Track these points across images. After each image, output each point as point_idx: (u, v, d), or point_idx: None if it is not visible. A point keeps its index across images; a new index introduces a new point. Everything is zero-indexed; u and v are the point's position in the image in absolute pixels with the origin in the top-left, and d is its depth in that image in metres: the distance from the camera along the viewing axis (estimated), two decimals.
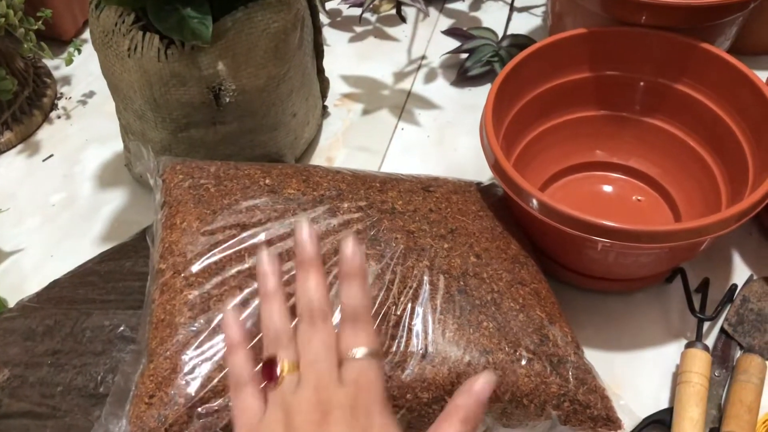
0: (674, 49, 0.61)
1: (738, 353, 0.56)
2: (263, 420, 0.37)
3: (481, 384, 0.36)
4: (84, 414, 0.50)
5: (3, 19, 0.67)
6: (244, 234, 0.48)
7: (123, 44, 0.58)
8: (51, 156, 0.77)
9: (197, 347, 0.44)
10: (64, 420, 0.49)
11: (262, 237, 0.48)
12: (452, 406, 0.36)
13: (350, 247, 0.39)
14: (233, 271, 0.46)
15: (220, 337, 0.44)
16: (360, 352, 0.37)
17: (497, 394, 0.46)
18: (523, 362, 0.47)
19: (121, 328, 0.53)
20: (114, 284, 0.57)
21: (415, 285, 0.48)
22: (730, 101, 0.60)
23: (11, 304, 0.61)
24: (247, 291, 0.46)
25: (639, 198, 0.66)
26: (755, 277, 0.61)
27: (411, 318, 0.47)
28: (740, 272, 0.62)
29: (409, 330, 0.46)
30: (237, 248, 0.47)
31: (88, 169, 0.75)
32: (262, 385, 0.38)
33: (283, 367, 0.37)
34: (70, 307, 0.55)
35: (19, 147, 0.78)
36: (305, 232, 0.40)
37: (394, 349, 0.45)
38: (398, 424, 0.37)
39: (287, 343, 0.38)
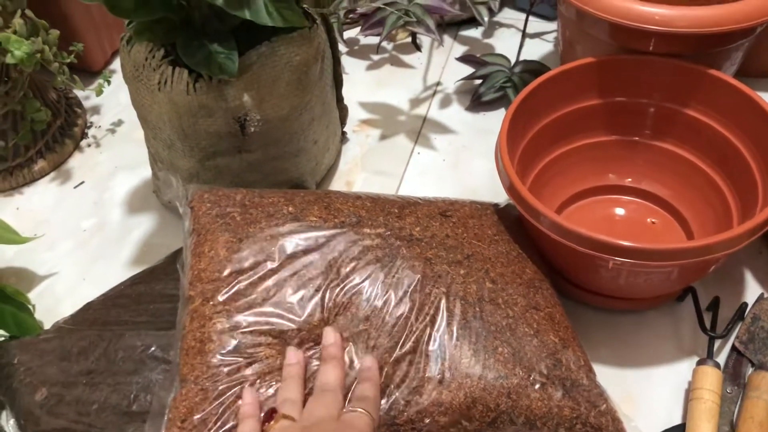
0: (682, 75, 0.63)
1: (749, 370, 0.57)
2: None
3: None
4: (118, 431, 0.51)
5: (39, 55, 0.70)
6: (268, 262, 0.50)
7: (153, 78, 0.61)
8: (82, 183, 0.80)
9: (227, 374, 0.46)
10: None
11: (285, 264, 0.50)
12: None
13: (330, 338, 0.48)
14: (260, 298, 0.49)
15: (247, 362, 0.46)
16: (359, 408, 0.44)
17: (511, 417, 0.47)
18: (537, 386, 0.48)
19: (153, 348, 0.54)
20: (145, 306, 0.59)
21: (432, 312, 0.50)
22: (738, 124, 0.61)
23: (47, 326, 0.63)
24: (273, 318, 0.48)
25: (653, 220, 0.68)
26: (765, 296, 0.62)
27: (428, 344, 0.48)
28: (751, 291, 0.63)
29: (427, 356, 0.48)
30: (261, 274, 0.49)
31: (118, 195, 0.78)
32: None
33: (278, 416, 0.44)
34: (103, 329, 0.57)
35: (52, 174, 0.81)
36: (332, 337, 0.48)
37: (411, 374, 0.47)
38: None
39: (291, 405, 0.45)
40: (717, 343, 0.58)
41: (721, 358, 0.58)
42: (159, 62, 0.60)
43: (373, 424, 0.44)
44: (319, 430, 0.43)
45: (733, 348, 0.58)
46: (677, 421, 0.55)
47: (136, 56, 0.62)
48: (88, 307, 0.61)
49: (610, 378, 0.54)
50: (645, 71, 0.64)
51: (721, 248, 0.51)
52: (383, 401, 0.46)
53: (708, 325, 0.58)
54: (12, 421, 0.55)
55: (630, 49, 0.64)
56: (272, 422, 0.44)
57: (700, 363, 0.56)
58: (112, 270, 0.70)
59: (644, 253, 0.51)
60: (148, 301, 0.59)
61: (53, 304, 0.68)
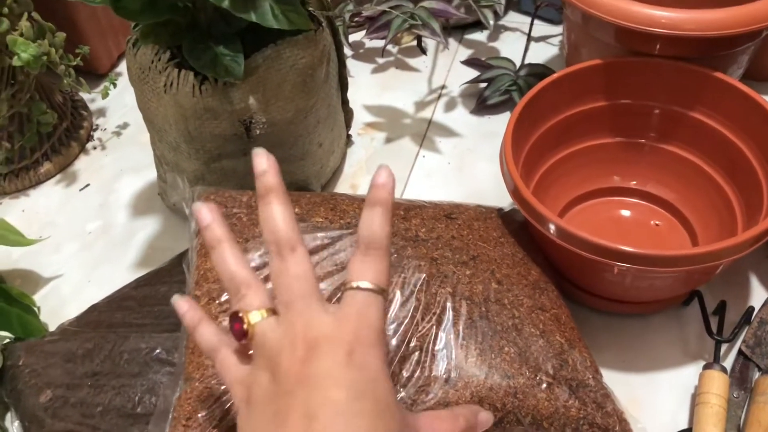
0: (687, 78, 0.63)
1: (756, 375, 0.57)
2: (251, 370, 0.35)
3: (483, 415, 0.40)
4: None
5: (45, 57, 0.70)
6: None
7: (159, 81, 0.61)
8: (87, 185, 0.80)
9: None
10: None
11: None
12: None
13: (382, 176, 0.37)
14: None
15: None
16: (364, 284, 0.34)
17: (518, 417, 0.47)
18: (544, 386, 0.48)
19: (157, 351, 0.54)
20: (150, 308, 0.59)
21: (438, 311, 0.50)
22: (744, 128, 0.61)
23: (52, 327, 0.63)
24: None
25: (657, 222, 0.68)
26: None
27: (434, 343, 0.48)
28: (757, 294, 0.63)
29: (433, 355, 0.48)
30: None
31: (123, 197, 0.78)
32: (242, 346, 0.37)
33: (246, 319, 0.35)
34: (108, 331, 0.57)
35: (58, 177, 0.81)
36: (263, 162, 0.37)
37: (418, 373, 0.47)
38: (389, 375, 0.35)
39: (247, 290, 0.36)
40: (723, 348, 0.58)
41: (728, 363, 0.58)
42: (165, 65, 0.61)
43: (383, 305, 0.35)
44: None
45: (740, 352, 0.58)
46: (683, 425, 0.55)
47: (141, 59, 0.62)
48: (93, 309, 0.61)
49: (615, 382, 0.53)
50: (651, 74, 0.64)
51: (726, 254, 0.51)
52: None
53: (714, 329, 0.58)
54: (17, 423, 0.56)
55: (636, 51, 0.64)
56: (247, 339, 0.35)
57: (706, 367, 0.55)
58: (117, 272, 0.70)
59: (649, 259, 0.51)
60: (153, 304, 0.59)
61: (58, 306, 0.68)
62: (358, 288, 0.34)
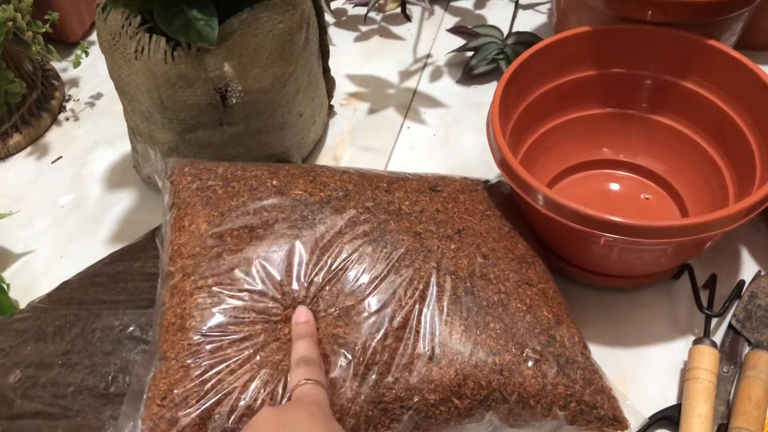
0: (680, 45, 0.61)
1: (746, 349, 0.56)
2: None
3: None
4: (95, 414, 0.50)
5: (11, 23, 0.67)
6: (252, 236, 0.48)
7: (130, 47, 0.58)
8: (60, 158, 0.77)
9: (209, 351, 0.44)
10: (75, 420, 0.50)
11: (269, 238, 0.48)
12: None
13: (302, 316, 0.46)
14: (242, 273, 0.47)
15: (229, 338, 0.45)
16: (309, 381, 0.42)
17: (504, 395, 0.46)
18: (530, 363, 0.47)
19: (131, 328, 0.53)
20: (123, 285, 0.57)
21: (422, 287, 0.48)
22: (737, 97, 0.60)
23: (22, 305, 0.61)
24: (255, 293, 0.46)
25: (647, 196, 0.66)
26: (763, 273, 0.61)
27: (418, 320, 0.47)
28: (748, 268, 0.62)
29: (416, 332, 0.46)
30: (243, 249, 0.48)
31: (97, 170, 0.76)
32: None
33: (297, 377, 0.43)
34: (80, 308, 0.56)
35: (28, 149, 0.79)
36: (303, 315, 0.47)
37: (401, 351, 0.46)
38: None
39: (310, 366, 0.44)
40: (714, 322, 0.57)
41: (718, 337, 0.57)
42: (135, 30, 0.58)
43: (325, 392, 0.43)
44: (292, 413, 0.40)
45: (730, 326, 0.57)
46: (673, 401, 0.55)
47: (111, 24, 0.59)
48: (65, 285, 0.60)
49: (603, 357, 0.53)
50: (642, 41, 0.62)
51: (717, 226, 0.50)
52: (372, 377, 0.45)
53: (704, 303, 0.57)
54: None
55: (627, 18, 0.62)
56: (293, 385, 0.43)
57: (696, 342, 0.55)
58: (91, 248, 0.68)
59: (637, 229, 0.50)
60: (127, 280, 0.57)
61: (29, 282, 0.66)
62: (304, 383, 0.42)
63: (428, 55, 0.85)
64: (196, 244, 0.48)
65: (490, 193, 0.60)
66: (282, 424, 0.38)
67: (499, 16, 0.87)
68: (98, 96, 0.84)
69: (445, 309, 0.48)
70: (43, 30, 0.74)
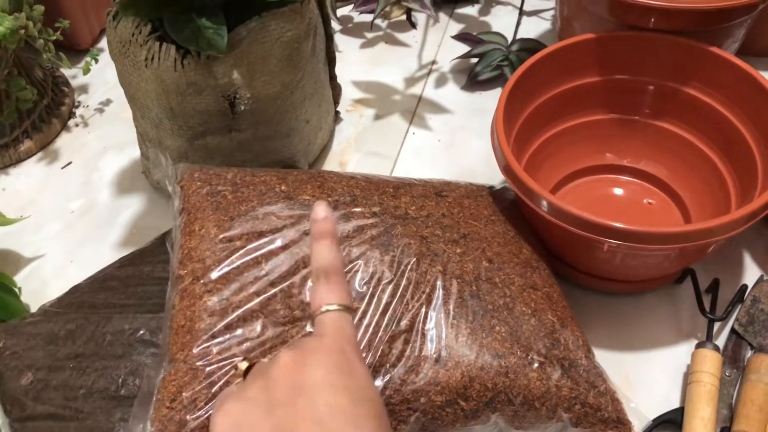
0: (682, 52, 0.62)
1: (749, 353, 0.57)
2: (243, 383, 0.38)
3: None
4: (106, 416, 0.50)
5: (23, 31, 0.68)
6: (261, 240, 0.49)
7: (140, 54, 0.59)
8: (70, 163, 0.78)
9: (217, 353, 0.45)
10: (86, 422, 0.50)
11: (278, 243, 0.49)
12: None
13: (321, 211, 0.40)
14: (251, 277, 0.47)
15: (238, 341, 0.45)
16: (332, 306, 0.37)
17: (509, 397, 0.47)
18: (535, 366, 0.47)
19: (141, 332, 0.53)
20: (133, 289, 0.58)
21: (428, 290, 0.49)
22: (739, 104, 0.60)
23: (33, 309, 0.62)
24: (264, 296, 0.47)
25: (650, 201, 0.67)
26: (765, 278, 0.61)
27: (424, 322, 0.47)
28: (750, 272, 0.62)
29: (423, 334, 0.47)
30: (254, 255, 0.48)
31: (106, 176, 0.76)
32: None
33: (322, 309, 0.38)
34: (90, 312, 0.56)
35: (39, 155, 0.79)
36: (323, 210, 0.41)
37: (407, 353, 0.46)
38: (370, 373, 0.37)
39: (334, 283, 0.39)
40: (716, 326, 0.58)
41: (721, 341, 0.58)
42: (146, 38, 0.59)
43: (351, 317, 0.38)
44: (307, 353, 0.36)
45: (733, 330, 0.58)
46: (676, 404, 0.55)
47: (122, 32, 0.60)
48: (76, 289, 0.60)
49: (607, 361, 0.53)
50: (645, 48, 0.63)
51: (720, 232, 0.50)
52: (378, 381, 0.45)
53: (707, 307, 0.58)
54: None
55: (630, 25, 0.63)
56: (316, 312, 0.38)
57: (699, 346, 0.55)
58: (101, 252, 0.69)
59: (640, 236, 0.50)
60: (137, 284, 0.58)
61: (40, 286, 0.67)
62: (327, 311, 0.37)
63: (433, 62, 0.86)
64: (206, 247, 0.49)
65: (494, 198, 0.60)
66: (299, 387, 0.34)
67: (503, 22, 0.88)
68: (107, 102, 0.85)
69: (452, 312, 0.48)
70: (54, 37, 0.75)
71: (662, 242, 0.50)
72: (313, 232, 0.40)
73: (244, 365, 0.40)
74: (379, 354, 0.46)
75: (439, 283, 0.49)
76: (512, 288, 0.51)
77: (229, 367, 0.44)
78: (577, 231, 0.51)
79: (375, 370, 0.46)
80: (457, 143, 0.76)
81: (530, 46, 0.80)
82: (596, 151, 0.68)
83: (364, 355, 0.46)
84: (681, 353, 0.57)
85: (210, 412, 0.43)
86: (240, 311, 0.46)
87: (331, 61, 0.72)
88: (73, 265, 0.68)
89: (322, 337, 0.36)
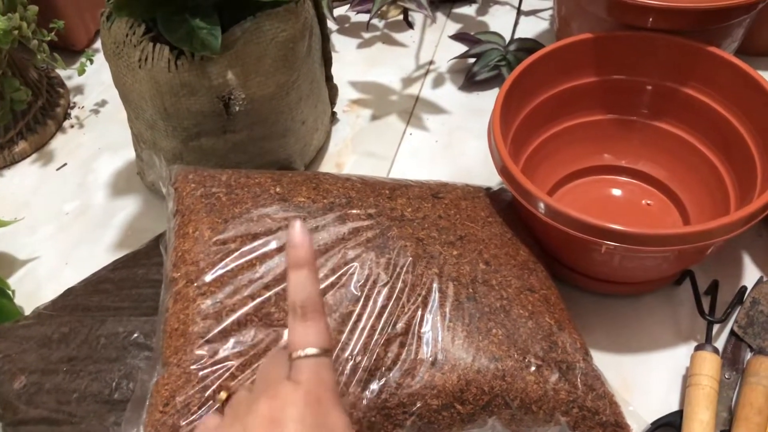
0: (681, 52, 0.61)
1: (748, 355, 0.56)
2: (216, 428, 0.37)
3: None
4: (99, 420, 0.50)
5: (17, 32, 0.68)
6: (256, 243, 0.49)
7: (134, 55, 0.59)
8: (64, 165, 0.78)
9: (211, 357, 0.44)
10: (79, 426, 0.50)
11: (273, 245, 0.49)
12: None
13: (297, 234, 0.36)
14: (245, 280, 0.47)
15: (231, 344, 0.45)
16: (310, 351, 0.35)
17: (506, 400, 0.46)
18: (532, 369, 0.47)
19: (135, 335, 0.53)
20: (127, 291, 0.57)
21: (424, 293, 0.48)
22: (738, 104, 0.60)
23: (27, 311, 0.62)
24: (259, 300, 0.46)
25: (648, 202, 0.66)
26: (765, 279, 0.61)
27: (420, 325, 0.47)
28: (750, 274, 0.62)
29: (419, 337, 0.47)
30: (248, 257, 0.48)
31: (101, 177, 0.76)
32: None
33: (293, 355, 0.36)
34: (84, 315, 0.56)
35: (34, 156, 0.79)
36: (299, 235, 0.36)
37: (403, 356, 0.46)
38: (350, 424, 0.35)
39: (311, 323, 0.36)
40: (715, 328, 0.57)
41: (720, 343, 0.57)
42: (139, 39, 0.58)
43: (331, 362, 0.35)
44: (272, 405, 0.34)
45: (732, 333, 0.57)
46: (675, 407, 0.54)
47: (116, 32, 0.60)
48: (69, 292, 0.60)
49: (606, 363, 0.52)
50: (643, 48, 0.62)
51: (718, 234, 0.50)
52: (375, 383, 0.45)
53: (706, 309, 0.57)
54: None
55: (628, 25, 0.63)
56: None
57: (698, 348, 0.55)
58: (95, 254, 0.68)
59: (638, 238, 0.50)
60: (131, 287, 0.58)
61: (34, 289, 0.66)
62: (306, 356, 0.35)
63: (430, 62, 0.85)
64: (200, 250, 0.49)
65: (491, 200, 0.60)
66: (275, 422, 0.33)
67: (501, 22, 0.88)
68: (103, 103, 0.84)
69: (448, 315, 0.48)
70: (49, 38, 0.75)
71: (661, 244, 0.50)
72: (289, 259, 0.36)
73: (223, 395, 0.40)
74: (374, 357, 0.46)
75: (435, 285, 0.49)
76: (509, 290, 0.51)
77: (222, 370, 0.44)
78: (575, 233, 0.51)
79: (370, 374, 0.45)
80: (455, 144, 0.76)
81: (528, 46, 0.79)
82: (594, 151, 0.68)
83: (359, 358, 0.45)
84: (680, 355, 0.57)
85: (203, 416, 0.43)
86: (234, 315, 0.46)
87: (327, 61, 0.72)
88: (68, 268, 0.68)
89: (298, 384, 0.34)
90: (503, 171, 0.55)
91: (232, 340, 0.45)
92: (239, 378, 0.44)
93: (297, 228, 0.36)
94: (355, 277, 0.48)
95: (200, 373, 0.44)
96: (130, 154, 0.75)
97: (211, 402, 0.43)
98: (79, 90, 0.86)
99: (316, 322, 0.36)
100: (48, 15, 0.78)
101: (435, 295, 0.48)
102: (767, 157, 0.57)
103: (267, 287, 0.47)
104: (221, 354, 0.44)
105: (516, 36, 0.81)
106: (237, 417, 0.36)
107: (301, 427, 0.33)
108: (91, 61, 0.80)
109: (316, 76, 0.68)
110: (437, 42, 0.88)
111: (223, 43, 0.56)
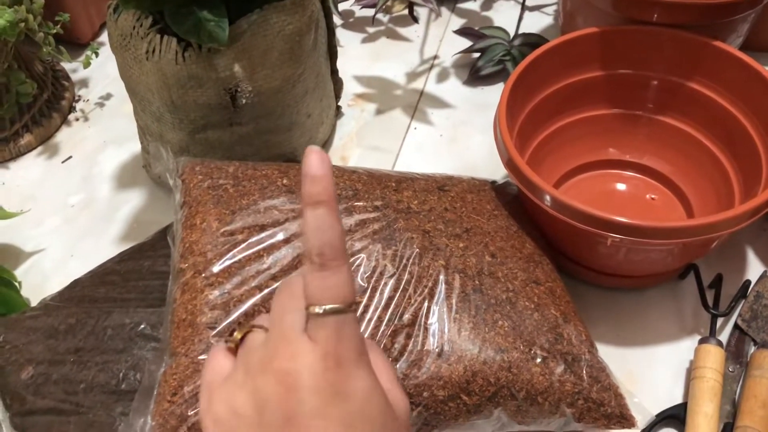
0: (686, 47, 0.61)
1: (752, 349, 0.56)
2: (226, 379, 0.34)
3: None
4: (106, 410, 0.50)
5: (23, 24, 0.68)
6: (263, 234, 0.49)
7: (141, 47, 0.59)
8: (70, 158, 0.78)
9: None
10: (87, 416, 0.50)
11: (280, 237, 0.49)
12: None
13: (314, 164, 0.30)
14: (253, 271, 0.47)
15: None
16: (330, 306, 0.30)
17: (512, 391, 0.46)
18: (538, 360, 0.47)
19: (142, 326, 0.53)
20: (134, 283, 0.58)
21: (431, 284, 0.48)
22: (743, 98, 0.60)
23: (34, 303, 0.62)
24: (266, 291, 0.46)
25: (653, 196, 0.66)
26: None
27: (427, 317, 0.47)
28: (754, 268, 0.62)
29: (425, 329, 0.47)
30: (256, 248, 0.48)
31: (107, 170, 0.76)
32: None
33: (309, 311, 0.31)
34: (91, 306, 0.56)
35: (39, 149, 0.79)
36: (317, 163, 0.30)
37: (410, 347, 0.46)
38: (378, 386, 0.32)
39: (331, 273, 0.31)
40: (719, 321, 0.57)
41: (724, 337, 0.57)
42: (147, 31, 0.59)
43: (355, 318, 0.31)
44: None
45: (736, 326, 0.58)
46: (678, 400, 0.55)
47: (123, 25, 0.60)
48: (76, 284, 0.60)
49: (610, 356, 0.53)
50: (648, 43, 0.63)
51: (723, 227, 0.50)
52: None
53: (710, 302, 0.57)
54: None
55: (633, 19, 0.63)
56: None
57: (702, 341, 0.55)
58: (101, 246, 0.69)
59: (644, 230, 0.50)
60: (137, 278, 0.58)
61: (40, 280, 0.67)
62: (325, 312, 0.30)
63: (435, 57, 0.85)
64: (208, 241, 0.49)
65: (497, 193, 0.60)
66: (289, 420, 0.30)
67: (505, 17, 0.88)
68: (108, 96, 0.84)
69: (454, 306, 0.48)
70: (54, 31, 0.75)
71: (666, 237, 0.50)
72: (304, 195, 0.30)
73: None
74: (381, 348, 0.46)
75: (441, 277, 0.49)
76: (515, 283, 0.51)
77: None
78: (581, 225, 0.51)
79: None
80: (459, 138, 0.76)
81: (532, 41, 0.79)
82: (599, 146, 0.68)
83: None
84: (684, 349, 0.57)
85: (213, 348, 0.40)
86: (242, 305, 0.46)
87: (332, 55, 0.72)
88: (74, 260, 0.68)
89: (315, 344, 0.30)
90: (509, 164, 0.55)
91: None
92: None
93: (314, 156, 0.30)
94: (361, 269, 0.48)
95: None
96: (135, 147, 0.76)
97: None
98: (84, 83, 0.86)
99: (336, 272, 0.30)
100: (53, 8, 0.78)
101: (441, 287, 0.49)
102: None
103: (274, 278, 0.47)
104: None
105: (520, 31, 0.81)
106: (248, 373, 0.32)
107: (317, 399, 0.30)
108: (97, 54, 0.80)
109: (321, 69, 0.68)
110: (442, 37, 0.88)
111: (230, 35, 0.56)
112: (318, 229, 0.30)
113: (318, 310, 0.30)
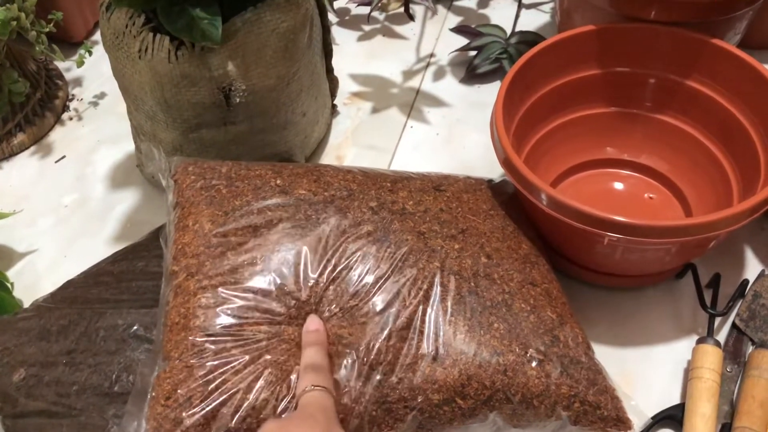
0: (684, 44, 0.61)
1: (750, 348, 0.56)
2: None
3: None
4: (99, 412, 0.50)
5: (15, 23, 0.67)
6: (256, 236, 0.48)
7: (134, 46, 0.58)
8: (63, 157, 0.77)
9: (212, 351, 0.44)
10: (79, 419, 0.50)
11: (273, 239, 0.48)
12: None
13: (312, 324, 0.46)
14: (246, 273, 0.47)
15: (233, 338, 0.45)
16: (318, 386, 0.42)
17: (507, 395, 0.46)
18: (534, 363, 0.47)
19: (135, 327, 0.53)
20: (127, 284, 0.57)
21: (425, 287, 0.48)
22: (741, 96, 0.60)
23: (26, 304, 0.62)
24: (259, 295, 0.46)
25: (651, 195, 0.66)
26: (766, 272, 0.60)
27: (422, 320, 0.47)
28: (752, 267, 0.62)
29: (420, 332, 0.46)
30: (247, 248, 0.48)
31: (100, 170, 0.76)
32: None
33: (296, 388, 0.44)
34: (84, 307, 0.56)
35: (32, 149, 0.79)
36: (315, 323, 0.46)
37: (405, 351, 0.46)
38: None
39: (319, 373, 0.44)
40: (717, 321, 0.57)
41: (722, 336, 0.57)
42: (139, 29, 0.58)
43: (332, 398, 0.43)
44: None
45: (734, 326, 0.57)
46: (676, 400, 0.54)
47: (115, 23, 0.59)
48: (69, 284, 0.60)
49: (607, 357, 0.52)
50: (646, 40, 0.62)
51: (721, 226, 0.50)
52: (376, 377, 0.45)
53: (708, 302, 0.57)
54: None
55: (630, 17, 0.62)
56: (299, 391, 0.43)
57: (699, 341, 0.55)
58: (94, 247, 0.68)
59: (641, 229, 0.49)
60: (130, 279, 0.57)
61: (33, 281, 0.66)
62: (313, 389, 0.42)
63: (431, 55, 0.85)
64: (200, 243, 0.48)
65: (493, 192, 0.60)
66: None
67: (502, 15, 0.87)
68: (102, 95, 0.84)
69: (449, 309, 0.47)
70: (47, 29, 0.74)
71: (663, 236, 0.50)
72: (305, 340, 0.45)
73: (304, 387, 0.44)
74: (375, 352, 0.45)
75: (436, 279, 0.49)
76: (511, 284, 0.51)
77: (224, 364, 0.44)
78: (578, 224, 0.50)
79: (371, 368, 0.45)
80: (456, 137, 0.75)
81: (529, 39, 0.79)
82: (596, 145, 0.67)
83: (363, 353, 0.45)
84: (682, 349, 0.57)
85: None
86: (236, 308, 0.46)
87: (327, 53, 0.71)
88: (67, 260, 0.68)
89: (305, 408, 0.41)
90: (506, 163, 0.55)
91: (234, 334, 0.45)
92: (241, 373, 0.44)
93: (314, 319, 0.47)
94: (355, 271, 0.48)
95: (202, 367, 0.44)
96: (129, 146, 0.75)
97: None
98: (77, 82, 0.86)
99: (323, 374, 0.44)
100: (46, 6, 0.78)
101: (437, 289, 0.48)
102: None
103: (267, 282, 0.47)
104: (223, 348, 0.44)
105: (517, 29, 0.81)
106: None
107: None
108: (90, 53, 0.79)
109: (316, 67, 0.67)
110: (438, 35, 0.87)
111: (223, 33, 0.55)
112: (312, 358, 0.44)
113: (307, 387, 0.43)
